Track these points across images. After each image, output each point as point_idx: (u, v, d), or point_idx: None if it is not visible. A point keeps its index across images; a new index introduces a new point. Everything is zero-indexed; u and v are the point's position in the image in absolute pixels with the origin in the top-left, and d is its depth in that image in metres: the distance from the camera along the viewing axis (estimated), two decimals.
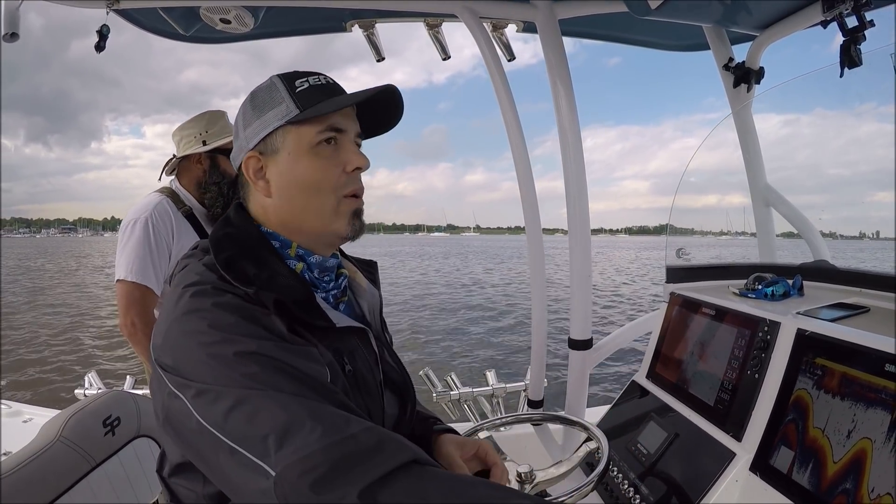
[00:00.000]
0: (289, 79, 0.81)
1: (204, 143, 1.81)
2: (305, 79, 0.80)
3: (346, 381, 0.76)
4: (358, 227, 0.82)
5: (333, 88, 0.82)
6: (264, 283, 0.71)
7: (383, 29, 1.79)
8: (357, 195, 0.82)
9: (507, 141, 1.49)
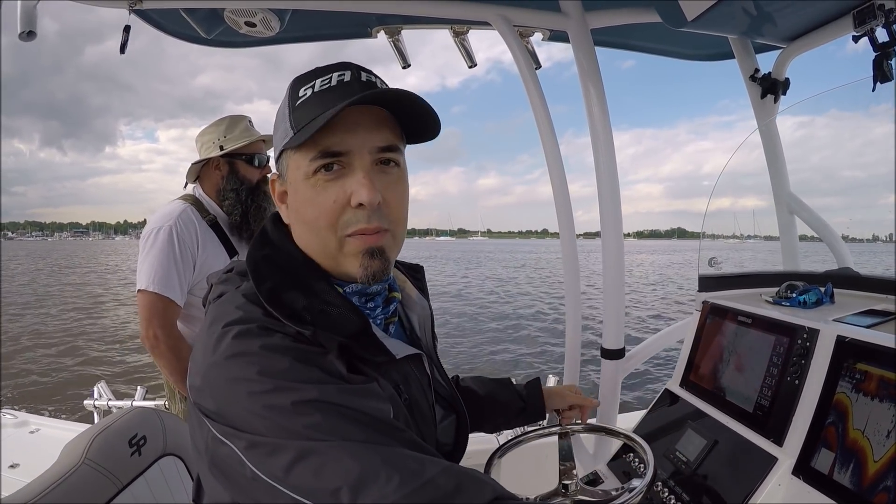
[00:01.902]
0: (295, 86, 0.69)
1: (221, 149, 1.77)
2: (312, 83, 0.67)
3: (405, 410, 0.72)
4: (376, 268, 0.68)
5: (338, 94, 0.66)
6: (317, 318, 0.64)
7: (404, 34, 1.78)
8: (367, 233, 0.67)
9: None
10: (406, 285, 0.90)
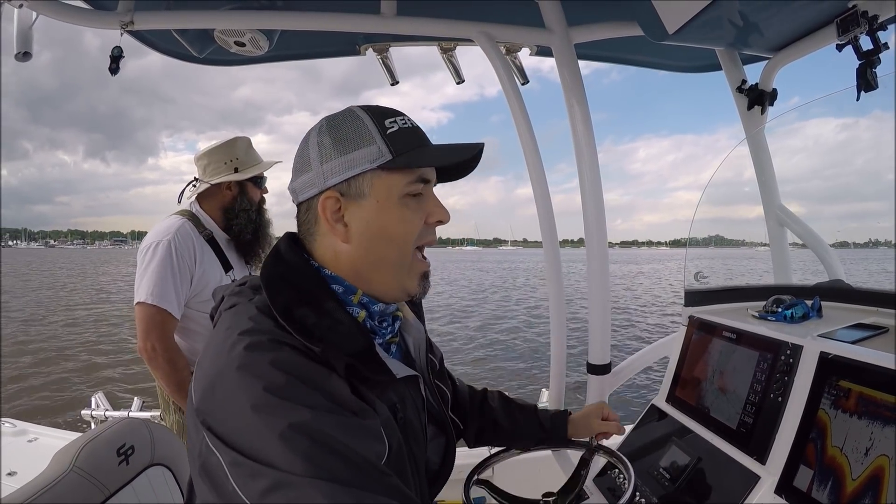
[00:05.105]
0: (377, 116, 0.76)
1: (236, 171, 1.83)
2: (394, 119, 0.76)
3: (399, 430, 0.73)
4: (425, 287, 0.81)
5: (422, 135, 0.79)
6: (325, 334, 0.66)
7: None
8: (432, 245, 0.82)
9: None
10: (404, 308, 0.93)
